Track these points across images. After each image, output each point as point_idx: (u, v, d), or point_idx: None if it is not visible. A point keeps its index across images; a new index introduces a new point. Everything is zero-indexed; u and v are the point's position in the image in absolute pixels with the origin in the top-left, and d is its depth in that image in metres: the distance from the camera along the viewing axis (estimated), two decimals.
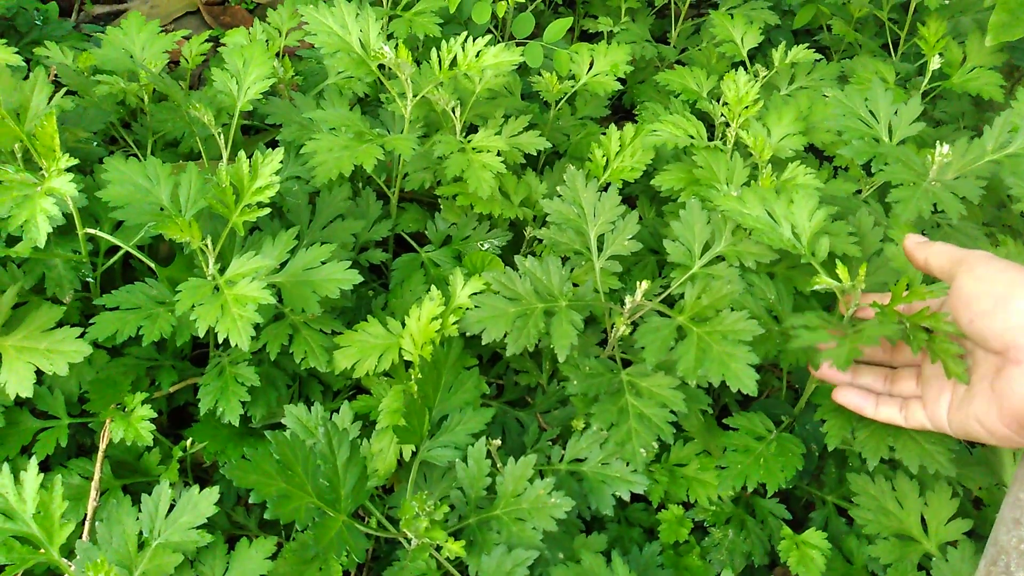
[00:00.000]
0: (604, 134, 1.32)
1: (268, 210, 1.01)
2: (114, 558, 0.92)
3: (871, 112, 1.21)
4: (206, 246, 0.99)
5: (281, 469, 0.90)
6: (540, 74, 1.41)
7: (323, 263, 1.07)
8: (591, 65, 1.46)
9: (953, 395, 0.89)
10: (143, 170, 1.06)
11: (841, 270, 0.94)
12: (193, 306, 0.96)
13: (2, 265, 1.10)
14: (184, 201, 1.06)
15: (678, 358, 0.96)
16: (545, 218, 1.12)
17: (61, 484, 0.97)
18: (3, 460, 1.04)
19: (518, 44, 1.61)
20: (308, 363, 1.09)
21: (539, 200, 1.20)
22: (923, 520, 1.08)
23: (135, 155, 1.36)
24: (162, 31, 1.44)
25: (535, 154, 1.27)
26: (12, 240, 1.08)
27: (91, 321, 1.04)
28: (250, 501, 0.88)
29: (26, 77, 1.09)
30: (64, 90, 1.11)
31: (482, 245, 1.29)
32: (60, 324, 1.02)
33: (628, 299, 1.02)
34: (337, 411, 1.07)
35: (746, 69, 1.44)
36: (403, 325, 1.08)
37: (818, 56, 1.47)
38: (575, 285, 1.09)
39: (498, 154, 1.18)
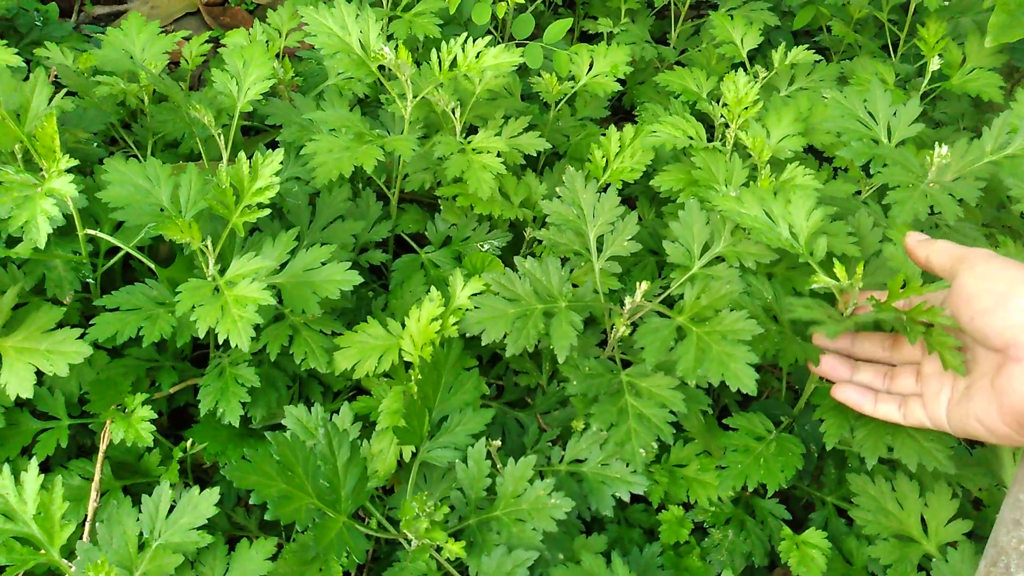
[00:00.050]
0: (604, 135, 1.32)
1: (268, 211, 1.01)
2: (114, 559, 0.92)
3: (870, 113, 1.22)
4: (206, 247, 0.99)
5: (281, 470, 0.90)
6: (540, 75, 1.41)
7: (323, 264, 1.07)
8: (591, 66, 1.46)
9: (953, 393, 0.89)
10: (143, 171, 1.06)
11: (839, 269, 0.94)
12: (193, 307, 0.96)
13: (2, 266, 1.10)
14: (184, 202, 1.07)
15: (677, 358, 0.96)
16: (545, 219, 1.12)
17: (61, 485, 0.97)
18: (3, 461, 1.05)
19: (518, 45, 1.61)
20: (308, 364, 1.09)
21: (539, 201, 1.20)
22: (923, 521, 1.08)
23: (135, 156, 1.36)
24: (162, 32, 1.45)
25: (535, 155, 1.27)
26: (12, 241, 1.08)
27: (91, 322, 1.04)
28: (250, 502, 0.88)
29: (26, 78, 1.09)
30: (64, 91, 1.11)
31: (482, 246, 1.30)
32: (60, 325, 1.02)
33: (628, 300, 1.02)
34: (337, 412, 1.07)
35: (746, 70, 1.45)
36: (403, 326, 1.08)
37: (818, 57, 1.47)
38: (575, 286, 1.09)
39: (498, 155, 1.18)
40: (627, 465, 1.04)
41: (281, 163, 1.01)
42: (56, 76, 1.42)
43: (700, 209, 1.09)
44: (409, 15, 1.47)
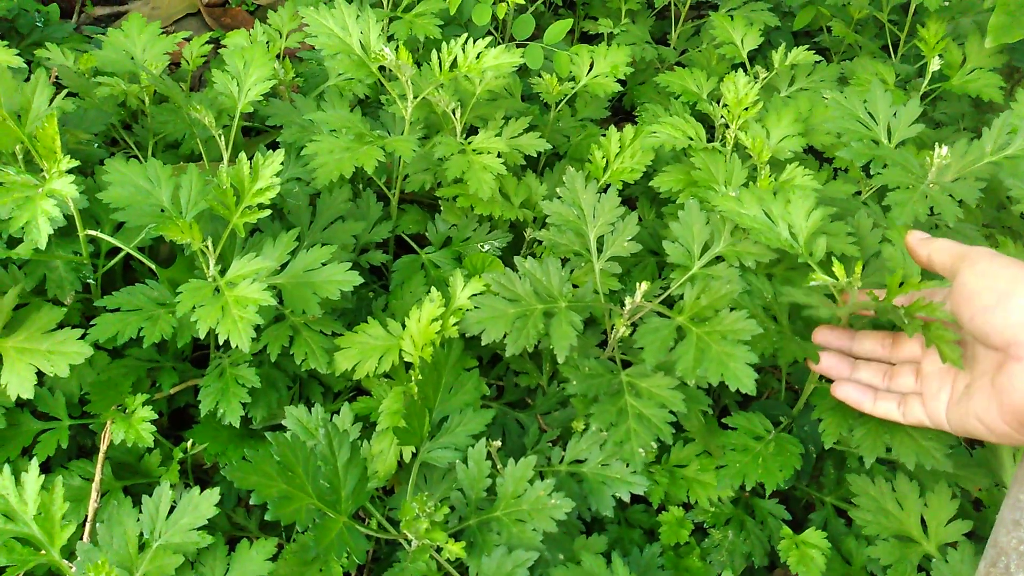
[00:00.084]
0: (604, 136, 1.32)
1: (269, 212, 1.01)
2: (115, 559, 0.92)
3: (870, 114, 1.22)
4: (207, 247, 0.99)
5: (282, 470, 0.90)
6: (540, 76, 1.41)
7: (323, 264, 1.07)
8: (591, 67, 1.46)
9: (952, 391, 0.89)
10: (144, 172, 1.07)
11: (838, 268, 0.94)
12: (194, 307, 0.97)
13: (3, 267, 1.11)
14: (185, 203, 1.07)
15: (677, 358, 0.96)
16: (545, 219, 1.12)
17: (62, 485, 0.97)
18: (4, 461, 1.05)
19: (518, 46, 1.61)
20: (308, 364, 1.09)
21: (539, 202, 1.20)
22: (923, 521, 1.09)
23: (136, 157, 1.36)
24: (163, 33, 1.45)
25: (535, 155, 1.27)
26: (13, 242, 1.08)
27: (92, 323, 1.04)
28: (251, 502, 0.88)
29: (27, 79, 1.09)
30: (65, 92, 1.11)
31: (482, 246, 1.30)
32: (61, 325, 1.02)
33: (628, 300, 1.03)
34: (337, 412, 1.07)
35: (746, 71, 1.45)
36: (403, 326, 1.08)
37: (818, 58, 1.47)
38: (575, 286, 1.09)
39: (498, 156, 1.18)
40: (627, 465, 1.04)
41: (282, 164, 1.02)
42: (57, 77, 1.43)
43: (700, 209, 1.09)
44: (409, 16, 1.47)
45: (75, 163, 0.96)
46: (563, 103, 1.46)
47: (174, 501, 0.96)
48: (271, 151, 1.02)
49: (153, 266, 1.07)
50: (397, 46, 1.13)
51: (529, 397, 1.26)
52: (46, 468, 1.08)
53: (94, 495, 1.03)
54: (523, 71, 1.57)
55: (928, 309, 0.86)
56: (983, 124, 1.20)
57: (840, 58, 1.81)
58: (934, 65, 1.39)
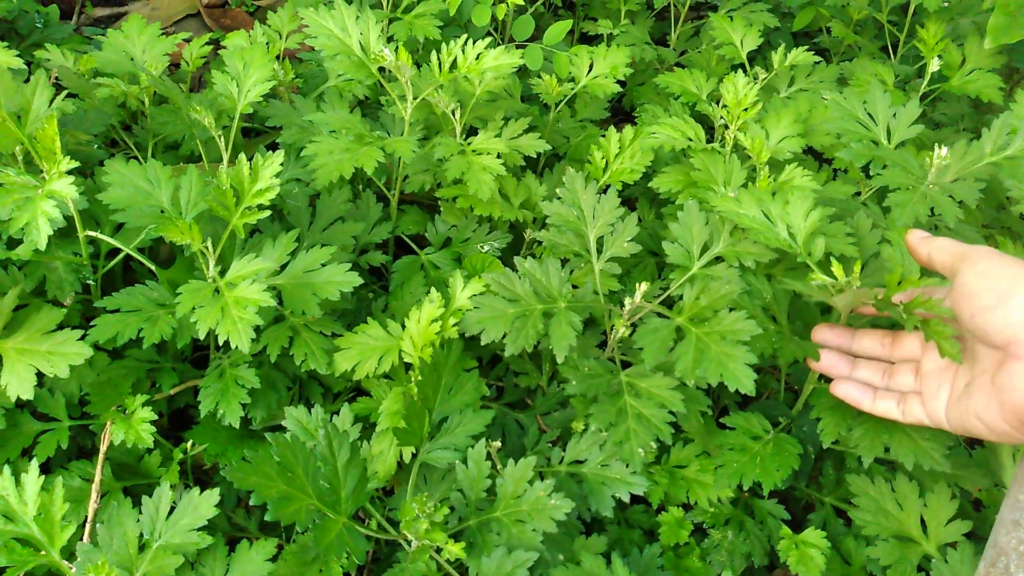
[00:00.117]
0: (603, 136, 1.33)
1: (268, 212, 1.01)
2: (115, 560, 0.92)
3: (870, 115, 1.22)
4: (206, 248, 0.99)
5: (281, 471, 0.90)
6: (540, 76, 1.42)
7: (323, 265, 1.07)
8: (591, 67, 1.46)
9: (952, 390, 0.89)
10: (144, 172, 1.07)
11: (836, 267, 0.95)
12: (194, 308, 0.97)
13: (3, 267, 1.11)
14: (185, 203, 1.07)
15: (677, 359, 0.96)
16: (545, 220, 1.12)
17: (62, 486, 0.97)
18: (4, 462, 1.05)
19: (518, 47, 1.61)
20: (308, 365, 1.09)
21: (539, 202, 1.20)
22: (922, 521, 1.09)
23: (136, 158, 1.37)
24: (162, 34, 1.45)
25: (535, 156, 1.27)
26: (13, 242, 1.08)
27: (92, 323, 1.04)
28: (250, 503, 0.88)
29: (27, 80, 1.09)
30: (65, 93, 1.11)
31: (482, 247, 1.30)
32: (61, 326, 1.02)
33: (627, 301, 1.03)
34: (337, 413, 1.08)
35: (745, 71, 1.45)
36: (403, 327, 1.08)
37: (817, 58, 1.47)
38: (574, 287, 1.09)
39: (498, 156, 1.18)
40: (627, 466, 1.04)
41: (281, 165, 1.02)
42: (57, 78, 1.43)
43: (699, 210, 1.09)
44: (409, 17, 1.47)
45: (75, 164, 0.96)
46: (563, 104, 1.46)
47: (174, 502, 0.96)
48: (271, 152, 1.02)
49: (153, 267, 1.07)
50: (397, 47, 1.14)
51: (529, 398, 1.26)
52: (46, 469, 1.08)
53: (94, 496, 1.03)
54: (523, 72, 1.57)
55: (927, 305, 0.86)
56: (982, 125, 1.20)
57: (839, 59, 1.81)
58: (933, 66, 1.40)
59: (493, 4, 1.57)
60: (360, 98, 1.39)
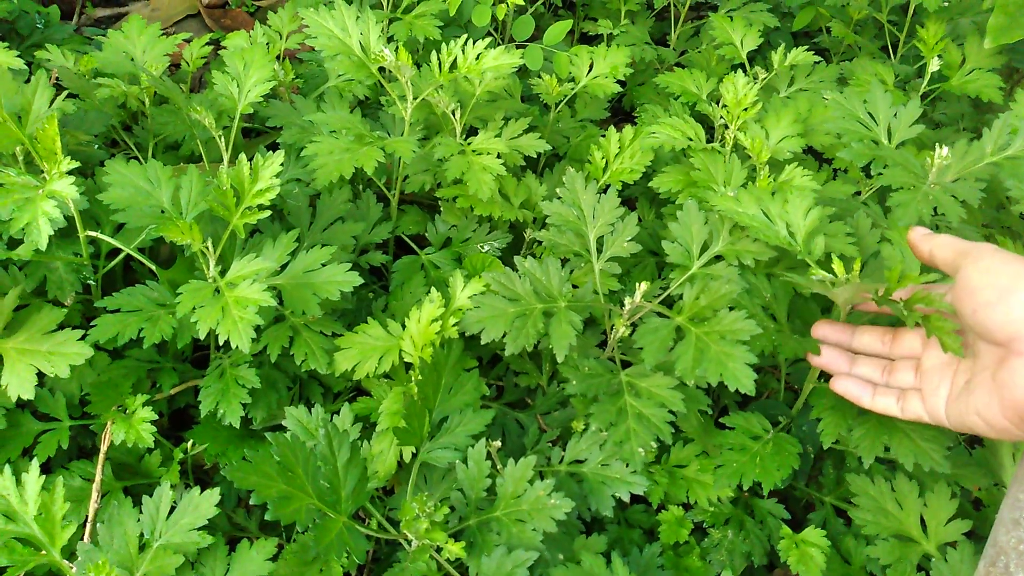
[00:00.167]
0: (603, 136, 1.33)
1: (269, 212, 1.01)
2: (115, 559, 0.92)
3: (870, 114, 1.22)
4: (207, 248, 1.00)
5: (282, 471, 0.90)
6: (540, 76, 1.42)
7: (323, 265, 1.07)
8: (591, 67, 1.47)
9: (952, 387, 0.89)
10: (144, 173, 1.07)
11: (836, 264, 0.95)
12: (194, 308, 0.97)
13: (3, 267, 1.11)
14: (185, 204, 1.07)
15: (676, 358, 0.96)
16: (545, 220, 1.12)
17: (62, 486, 0.97)
18: (5, 462, 1.05)
19: (518, 47, 1.61)
20: (308, 365, 1.09)
21: (539, 202, 1.20)
22: (922, 521, 1.09)
23: (136, 158, 1.37)
24: (163, 34, 1.45)
25: (535, 156, 1.27)
26: (13, 243, 1.08)
27: (92, 323, 1.04)
28: (251, 503, 0.88)
29: (27, 80, 1.09)
30: (65, 93, 1.12)
31: (482, 247, 1.30)
32: (61, 326, 1.02)
33: (627, 300, 1.03)
34: (337, 413, 1.08)
35: (745, 71, 1.45)
36: (403, 327, 1.08)
37: (817, 58, 1.47)
38: (574, 286, 1.09)
39: (498, 156, 1.18)
40: (627, 465, 1.04)
41: (281, 165, 1.02)
42: (57, 78, 1.43)
43: (698, 209, 1.09)
44: (409, 17, 1.47)
45: (75, 164, 0.96)
46: (563, 104, 1.46)
47: (174, 501, 0.96)
48: (271, 152, 1.02)
49: (153, 267, 1.07)
50: (397, 47, 1.14)
51: (529, 397, 1.27)
52: (47, 469, 1.08)
53: (94, 495, 1.03)
54: (523, 72, 1.58)
55: (927, 300, 0.86)
56: (982, 124, 1.20)
57: (839, 59, 1.81)
58: (933, 66, 1.40)
59: (493, 4, 1.57)
60: (360, 98, 1.39)
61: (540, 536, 0.95)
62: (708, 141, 1.29)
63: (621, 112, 1.82)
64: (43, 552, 0.95)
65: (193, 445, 1.13)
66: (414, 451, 1.02)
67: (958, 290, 0.85)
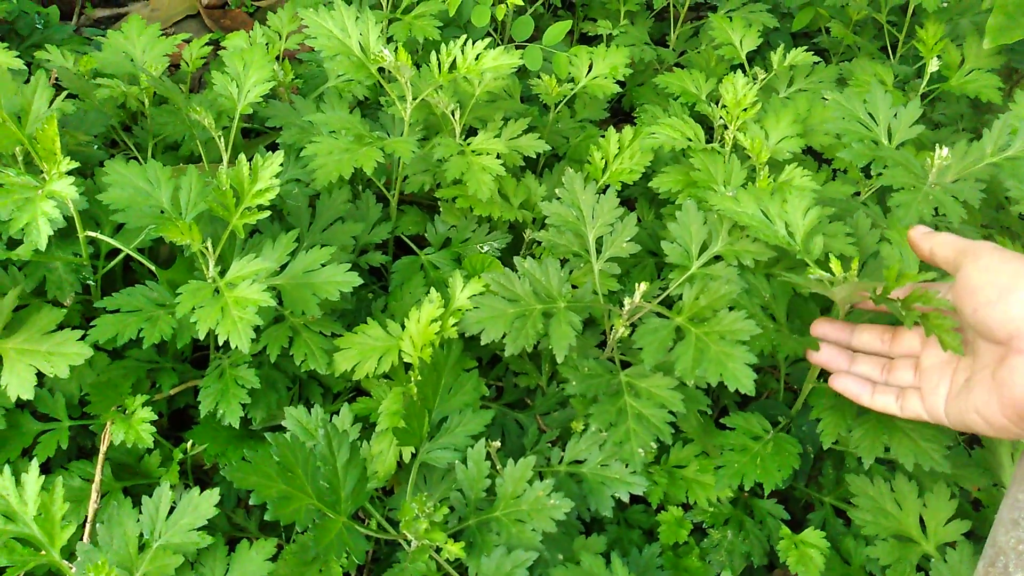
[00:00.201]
0: (603, 137, 1.33)
1: (268, 213, 1.01)
2: (115, 559, 0.92)
3: (870, 115, 1.22)
4: (206, 249, 1.00)
5: (281, 471, 0.90)
6: (539, 77, 1.42)
7: (323, 265, 1.07)
8: (590, 68, 1.47)
9: (952, 385, 0.90)
10: (144, 173, 1.07)
11: (834, 263, 0.95)
12: (193, 308, 0.97)
13: (3, 268, 1.11)
14: (184, 204, 1.07)
15: (676, 359, 0.96)
16: (544, 220, 1.12)
17: (62, 486, 0.97)
18: (4, 462, 1.05)
19: (517, 47, 1.61)
20: (308, 365, 1.09)
21: (538, 203, 1.20)
22: (922, 521, 1.09)
23: (136, 158, 1.37)
24: (162, 34, 1.45)
25: (534, 157, 1.27)
26: (13, 243, 1.08)
27: (92, 324, 1.04)
28: (250, 503, 0.88)
29: (27, 81, 1.09)
30: (65, 93, 1.12)
31: (481, 247, 1.30)
32: (61, 327, 1.02)
33: (627, 301, 1.03)
34: (337, 413, 1.08)
35: (744, 72, 1.45)
36: (403, 327, 1.08)
37: (817, 59, 1.47)
38: (574, 287, 1.09)
39: (497, 157, 1.18)
40: (626, 466, 1.04)
41: (281, 165, 1.02)
42: (57, 79, 1.43)
43: (697, 209, 1.09)
44: (409, 17, 1.47)
45: (75, 165, 0.96)
46: (562, 104, 1.46)
47: (174, 502, 0.96)
48: (270, 152, 1.02)
49: (153, 267, 1.07)
50: (396, 48, 1.14)
51: (528, 398, 1.27)
52: (46, 469, 1.08)
53: (94, 496, 1.03)
54: (522, 72, 1.58)
55: (925, 298, 0.86)
56: (981, 125, 1.20)
57: (839, 59, 1.81)
58: (932, 66, 1.40)
59: (492, 5, 1.57)
60: (360, 99, 1.39)
61: (539, 536, 0.95)
62: (707, 141, 1.29)
63: (620, 112, 1.83)
64: (43, 552, 0.95)
65: (193, 445, 1.13)
66: (413, 451, 1.02)
67: (958, 288, 0.85)
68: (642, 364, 0.97)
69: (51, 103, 1.07)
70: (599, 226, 1.10)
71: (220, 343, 0.96)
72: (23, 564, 0.94)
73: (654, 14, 1.88)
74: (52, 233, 0.96)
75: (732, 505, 1.16)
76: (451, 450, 1.02)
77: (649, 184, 1.27)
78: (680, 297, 1.02)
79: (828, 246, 1.03)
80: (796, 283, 0.98)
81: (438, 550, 0.94)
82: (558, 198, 1.11)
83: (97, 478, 1.04)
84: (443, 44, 1.17)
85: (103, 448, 1.06)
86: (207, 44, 1.50)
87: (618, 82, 1.45)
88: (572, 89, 1.44)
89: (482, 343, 1.00)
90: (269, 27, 1.53)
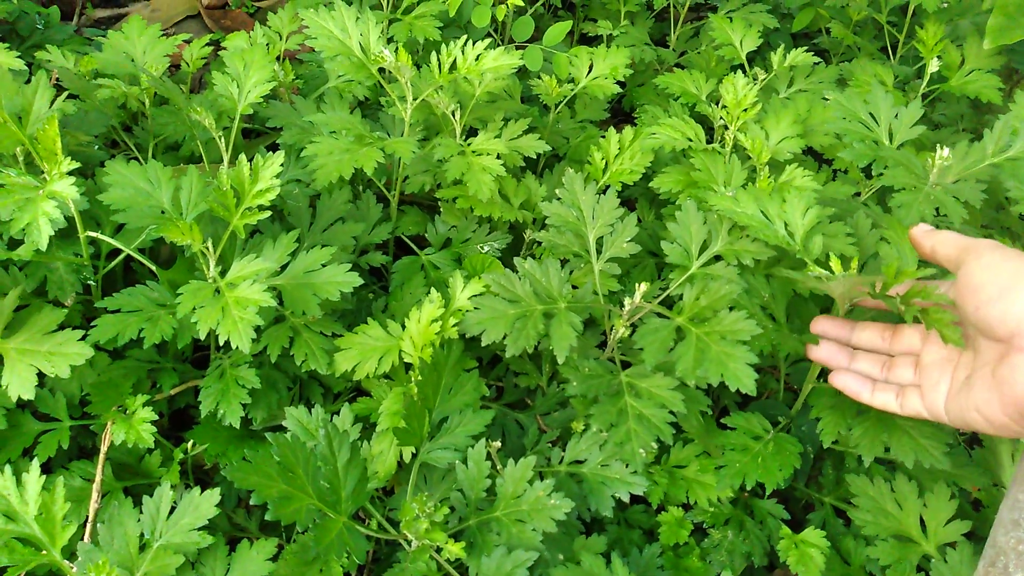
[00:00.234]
0: (603, 137, 1.33)
1: (269, 213, 1.01)
2: (116, 559, 0.92)
3: (872, 115, 1.22)
4: (207, 249, 1.00)
5: (282, 471, 0.90)
6: (540, 77, 1.42)
7: (323, 266, 1.08)
8: (590, 68, 1.47)
9: (952, 383, 0.90)
10: (144, 173, 1.07)
11: (834, 261, 0.95)
12: (194, 308, 0.97)
13: (4, 268, 1.11)
14: (185, 204, 1.07)
15: (677, 359, 0.96)
16: (544, 221, 1.12)
17: (63, 486, 0.97)
18: (5, 462, 1.05)
19: (518, 48, 1.61)
20: (309, 365, 1.09)
21: (539, 203, 1.20)
22: (922, 521, 1.09)
23: (136, 158, 1.37)
24: (163, 35, 1.45)
25: (535, 157, 1.27)
26: (14, 243, 1.08)
27: (92, 324, 1.04)
28: (251, 503, 0.88)
29: (28, 81, 1.09)
30: (66, 94, 1.12)
31: (482, 248, 1.30)
32: (62, 327, 1.02)
33: (627, 301, 1.03)
34: (337, 413, 1.08)
35: (745, 72, 1.45)
36: (403, 327, 1.08)
37: (817, 59, 1.47)
38: (574, 287, 1.09)
39: (498, 157, 1.18)
40: (627, 466, 1.04)
41: (281, 165, 1.02)
42: (57, 79, 1.43)
43: (697, 209, 1.09)
44: (409, 18, 1.47)
45: (76, 165, 0.96)
46: (562, 105, 1.46)
47: (175, 501, 0.97)
48: (271, 153, 1.02)
49: (153, 267, 1.07)
50: (397, 48, 1.14)
51: (529, 398, 1.27)
52: (47, 469, 1.08)
53: (95, 495, 1.03)
54: (522, 73, 1.58)
55: (924, 293, 0.86)
56: (981, 125, 1.20)
57: (839, 59, 1.82)
58: (933, 66, 1.40)
59: (493, 5, 1.57)
60: (360, 99, 1.40)
61: (540, 536, 0.95)
62: (708, 142, 1.29)
63: (621, 113, 1.83)
64: (43, 552, 0.95)
65: (193, 445, 1.13)
66: (414, 451, 1.02)
67: (960, 286, 0.85)
68: (643, 364, 0.97)
69: (52, 103, 1.07)
70: (599, 226, 1.10)
71: (221, 343, 0.96)
72: (24, 564, 0.94)
73: (654, 15, 1.88)
74: (53, 233, 0.96)
75: (732, 505, 1.17)
76: (451, 450, 1.02)
77: (649, 184, 1.27)
78: (680, 297, 1.02)
79: (828, 246, 1.03)
80: (795, 278, 0.98)
81: (438, 550, 0.94)
82: (558, 198, 1.11)
83: (98, 478, 1.04)
84: (443, 44, 1.17)
85: (104, 448, 1.06)
86: (208, 44, 1.50)
87: (618, 82, 1.45)
88: (572, 89, 1.44)
89: (483, 344, 1.00)
90: (269, 27, 1.53)
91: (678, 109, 1.44)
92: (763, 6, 1.70)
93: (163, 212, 1.06)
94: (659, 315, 1.02)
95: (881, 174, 1.12)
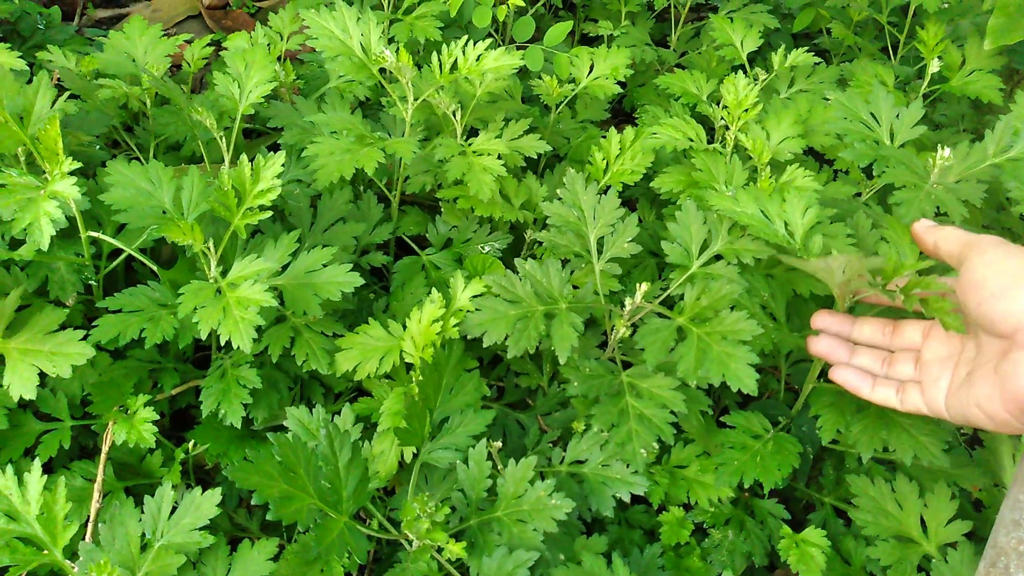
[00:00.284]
0: (604, 137, 1.33)
1: (270, 213, 1.01)
2: (117, 559, 0.93)
3: (873, 115, 1.22)
4: (208, 249, 1.00)
5: (283, 471, 0.90)
6: (540, 78, 1.42)
7: (324, 266, 1.08)
8: (591, 69, 1.47)
9: (953, 379, 0.89)
10: (145, 173, 1.07)
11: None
12: (195, 309, 0.97)
13: (5, 268, 1.11)
14: (186, 204, 1.07)
15: (678, 359, 0.96)
16: (545, 221, 1.13)
17: (64, 486, 0.97)
18: (7, 462, 1.05)
19: (518, 48, 1.61)
20: (310, 365, 1.09)
21: (539, 203, 1.20)
22: (923, 521, 1.09)
23: (137, 158, 1.37)
24: (164, 35, 1.45)
25: (535, 157, 1.27)
26: (15, 243, 1.08)
27: (94, 324, 1.04)
28: (252, 503, 0.88)
29: (29, 81, 1.09)
30: (67, 94, 1.12)
31: (483, 248, 1.30)
32: (63, 327, 1.02)
33: (628, 301, 1.03)
34: (338, 413, 1.08)
35: (745, 72, 1.45)
36: (404, 327, 1.08)
37: (817, 59, 1.47)
38: (575, 287, 1.09)
39: (499, 157, 1.19)
40: (628, 466, 1.04)
41: (282, 165, 1.02)
42: (59, 79, 1.43)
43: (697, 209, 1.09)
44: (410, 18, 1.47)
45: (77, 165, 0.96)
46: (563, 105, 1.46)
47: (176, 501, 0.97)
48: (272, 153, 1.02)
49: (155, 267, 1.07)
50: (398, 48, 1.14)
51: (530, 398, 1.27)
52: (48, 468, 1.08)
53: (96, 495, 1.03)
54: (523, 73, 1.58)
55: (924, 283, 0.86)
56: (982, 126, 1.20)
57: (840, 60, 1.82)
58: (933, 67, 1.40)
59: (494, 5, 1.58)
60: (361, 99, 1.40)
61: (541, 536, 0.95)
62: (709, 142, 1.29)
63: (622, 113, 1.83)
64: (45, 552, 0.95)
65: (194, 445, 1.13)
66: (415, 451, 1.02)
67: (963, 282, 0.85)
68: (644, 364, 0.98)
69: (53, 103, 1.07)
70: (600, 226, 1.10)
71: (222, 343, 0.97)
72: (25, 564, 0.94)
73: (655, 15, 1.88)
74: (54, 233, 0.96)
75: (733, 505, 1.17)
76: (452, 450, 1.02)
77: (650, 185, 1.27)
78: (681, 297, 1.02)
79: (828, 245, 1.03)
80: (797, 265, 0.97)
81: (439, 550, 0.94)
82: (559, 199, 1.12)
83: (99, 478, 1.04)
84: (444, 45, 1.18)
85: (105, 448, 1.06)
86: (209, 45, 1.50)
87: (619, 83, 1.45)
88: (573, 90, 1.44)
89: (484, 345, 1.00)
90: (270, 28, 1.53)
91: (679, 109, 1.44)
92: (764, 6, 1.70)
93: (164, 212, 1.06)
94: (660, 315, 1.02)
95: (882, 174, 1.12)
